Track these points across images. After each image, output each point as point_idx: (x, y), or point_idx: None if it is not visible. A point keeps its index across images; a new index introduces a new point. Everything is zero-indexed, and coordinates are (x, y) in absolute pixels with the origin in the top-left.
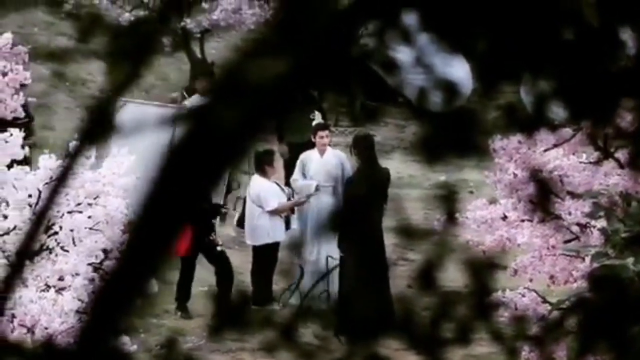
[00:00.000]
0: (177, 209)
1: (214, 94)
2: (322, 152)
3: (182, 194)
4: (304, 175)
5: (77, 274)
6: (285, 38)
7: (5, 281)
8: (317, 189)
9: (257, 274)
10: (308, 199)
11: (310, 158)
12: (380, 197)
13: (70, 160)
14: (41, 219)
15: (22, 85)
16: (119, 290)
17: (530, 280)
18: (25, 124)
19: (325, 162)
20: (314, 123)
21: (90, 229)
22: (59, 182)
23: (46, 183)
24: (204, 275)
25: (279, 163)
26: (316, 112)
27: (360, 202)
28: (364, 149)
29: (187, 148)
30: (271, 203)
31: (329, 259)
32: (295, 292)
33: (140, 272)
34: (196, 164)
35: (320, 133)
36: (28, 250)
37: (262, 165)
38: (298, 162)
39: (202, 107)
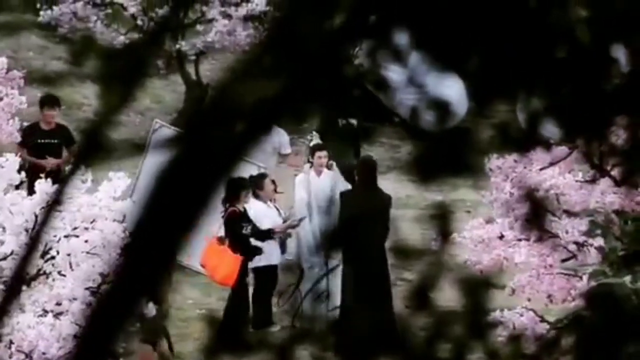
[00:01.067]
0: (169, 231)
1: (206, 115)
2: (318, 173)
3: (173, 215)
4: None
5: (74, 299)
6: (279, 59)
7: (3, 306)
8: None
9: (255, 297)
10: (300, 222)
11: (307, 179)
12: (381, 219)
13: (65, 183)
14: (36, 243)
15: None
16: (112, 313)
17: (529, 300)
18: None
19: (321, 182)
20: (311, 144)
21: (87, 253)
22: (55, 205)
23: (42, 207)
24: (200, 297)
25: (271, 186)
26: (314, 133)
27: (357, 220)
28: (364, 171)
29: (178, 169)
30: (264, 225)
31: (329, 261)
32: (294, 294)
33: (135, 295)
34: (187, 185)
35: (318, 153)
36: (24, 275)
37: (255, 188)
38: (297, 183)
39: (195, 129)
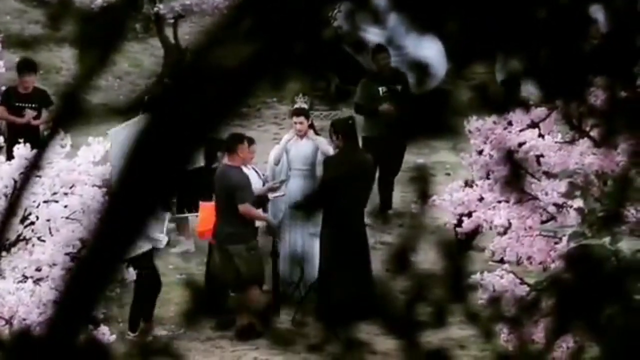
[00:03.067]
0: (146, 195)
1: (184, 78)
2: (300, 137)
3: (150, 179)
4: (280, 161)
5: (54, 264)
6: (257, 21)
7: None
8: (282, 182)
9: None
10: (282, 184)
11: (290, 142)
12: (363, 182)
13: (44, 148)
14: (15, 208)
15: None
16: (91, 278)
17: (508, 262)
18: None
19: (302, 146)
20: (294, 107)
21: (67, 218)
22: (33, 170)
23: (21, 173)
24: (181, 263)
25: (247, 149)
26: (300, 96)
27: (339, 184)
28: (344, 133)
29: (157, 132)
30: None
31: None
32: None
33: (113, 260)
34: (165, 148)
35: (295, 119)
36: (3, 240)
37: (226, 151)
38: (280, 146)
39: (171, 92)
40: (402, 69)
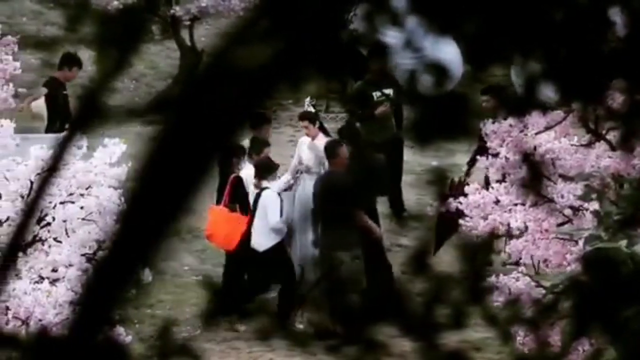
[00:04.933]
0: (167, 198)
1: (201, 81)
2: (313, 138)
3: (171, 181)
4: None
5: (70, 265)
6: (274, 23)
7: None
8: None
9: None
10: (295, 184)
11: (303, 143)
12: (376, 183)
13: (61, 149)
14: (32, 210)
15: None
16: (110, 280)
17: (524, 265)
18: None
19: (313, 147)
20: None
21: (83, 219)
22: (50, 171)
23: (38, 173)
24: (196, 264)
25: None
26: (309, 99)
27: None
28: (349, 138)
29: (174, 136)
30: None
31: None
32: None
33: (132, 261)
34: (183, 152)
35: (301, 124)
36: (20, 241)
37: (253, 153)
38: (297, 148)
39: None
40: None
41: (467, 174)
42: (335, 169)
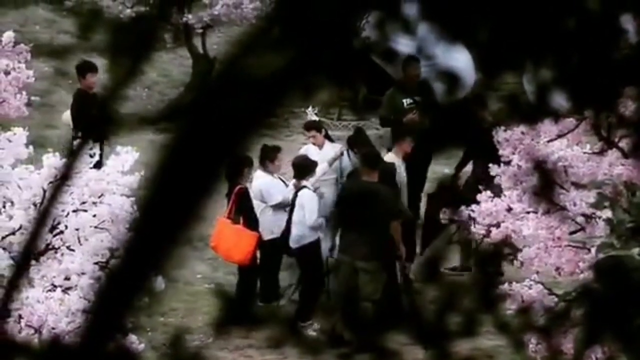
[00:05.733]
0: (179, 205)
1: (214, 88)
2: (319, 146)
3: (183, 189)
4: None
5: (83, 273)
6: (286, 31)
7: (12, 281)
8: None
9: (263, 271)
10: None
11: (310, 152)
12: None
13: (74, 158)
14: (45, 217)
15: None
16: (123, 288)
17: (537, 272)
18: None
19: (324, 154)
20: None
21: (96, 227)
22: (63, 180)
23: (50, 182)
24: (208, 272)
25: (282, 159)
26: (310, 109)
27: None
28: (360, 145)
29: (187, 143)
30: (275, 197)
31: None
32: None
33: (144, 270)
34: (195, 160)
35: (307, 133)
36: (33, 250)
37: (266, 161)
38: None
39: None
40: (430, 80)
41: (456, 176)
42: (369, 178)
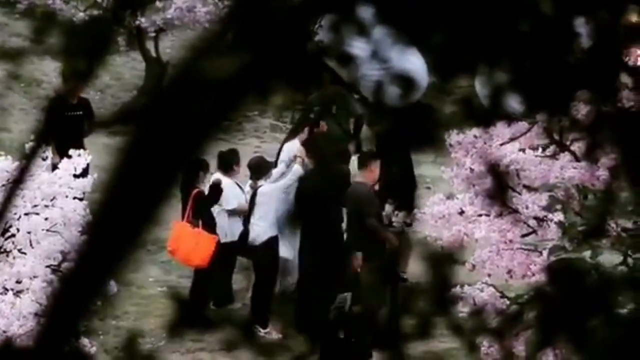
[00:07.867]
0: (133, 209)
1: (168, 92)
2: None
3: (138, 192)
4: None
5: (35, 277)
6: (240, 35)
7: None
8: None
9: (217, 274)
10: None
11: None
12: (338, 194)
13: (27, 161)
14: None
15: None
16: (76, 292)
17: (489, 275)
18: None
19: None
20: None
21: (48, 230)
22: (15, 183)
23: (2, 185)
24: (161, 275)
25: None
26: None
27: (314, 200)
28: (313, 150)
29: (141, 147)
30: (231, 202)
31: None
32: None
33: (98, 274)
34: (151, 164)
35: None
36: None
37: (225, 164)
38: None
39: (156, 106)
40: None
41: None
42: (361, 179)
